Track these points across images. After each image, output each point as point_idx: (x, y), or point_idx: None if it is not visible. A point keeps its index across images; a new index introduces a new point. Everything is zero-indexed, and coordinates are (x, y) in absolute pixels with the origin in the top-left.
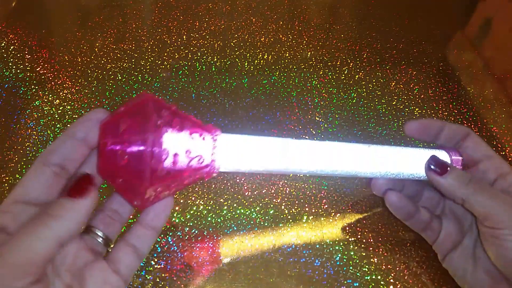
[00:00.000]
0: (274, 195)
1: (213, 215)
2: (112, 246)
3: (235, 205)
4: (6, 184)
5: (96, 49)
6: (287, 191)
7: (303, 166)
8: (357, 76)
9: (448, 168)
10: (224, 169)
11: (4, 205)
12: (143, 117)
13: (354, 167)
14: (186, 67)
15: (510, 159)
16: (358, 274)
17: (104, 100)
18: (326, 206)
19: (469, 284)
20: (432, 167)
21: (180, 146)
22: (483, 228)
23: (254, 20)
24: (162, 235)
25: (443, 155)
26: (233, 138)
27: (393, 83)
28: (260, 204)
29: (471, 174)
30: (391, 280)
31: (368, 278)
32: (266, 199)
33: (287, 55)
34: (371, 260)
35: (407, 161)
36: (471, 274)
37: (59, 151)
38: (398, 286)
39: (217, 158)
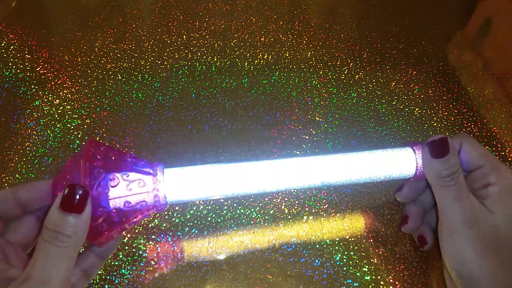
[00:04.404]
0: (274, 195)
1: (213, 215)
2: None
3: (235, 205)
4: (6, 184)
5: (96, 49)
6: (287, 191)
7: (250, 188)
8: (357, 76)
9: (448, 154)
10: (174, 201)
11: None
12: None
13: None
14: (186, 67)
15: (510, 159)
16: (358, 274)
17: (104, 100)
18: (326, 206)
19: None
20: (429, 148)
21: (118, 201)
22: (440, 227)
23: (254, 20)
24: (162, 235)
25: (409, 152)
26: (177, 171)
27: (393, 83)
28: (260, 204)
29: (458, 170)
30: (391, 280)
31: (368, 278)
32: (266, 199)
33: (287, 55)
34: (371, 260)
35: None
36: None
37: None
38: (398, 286)
39: (163, 194)
